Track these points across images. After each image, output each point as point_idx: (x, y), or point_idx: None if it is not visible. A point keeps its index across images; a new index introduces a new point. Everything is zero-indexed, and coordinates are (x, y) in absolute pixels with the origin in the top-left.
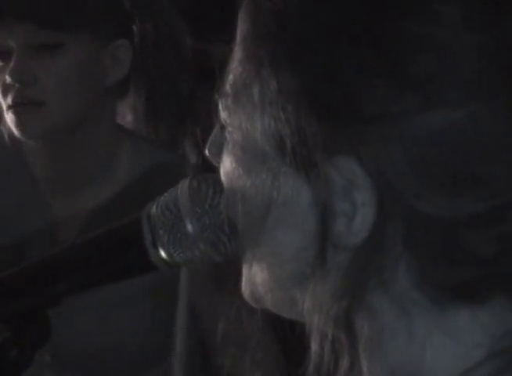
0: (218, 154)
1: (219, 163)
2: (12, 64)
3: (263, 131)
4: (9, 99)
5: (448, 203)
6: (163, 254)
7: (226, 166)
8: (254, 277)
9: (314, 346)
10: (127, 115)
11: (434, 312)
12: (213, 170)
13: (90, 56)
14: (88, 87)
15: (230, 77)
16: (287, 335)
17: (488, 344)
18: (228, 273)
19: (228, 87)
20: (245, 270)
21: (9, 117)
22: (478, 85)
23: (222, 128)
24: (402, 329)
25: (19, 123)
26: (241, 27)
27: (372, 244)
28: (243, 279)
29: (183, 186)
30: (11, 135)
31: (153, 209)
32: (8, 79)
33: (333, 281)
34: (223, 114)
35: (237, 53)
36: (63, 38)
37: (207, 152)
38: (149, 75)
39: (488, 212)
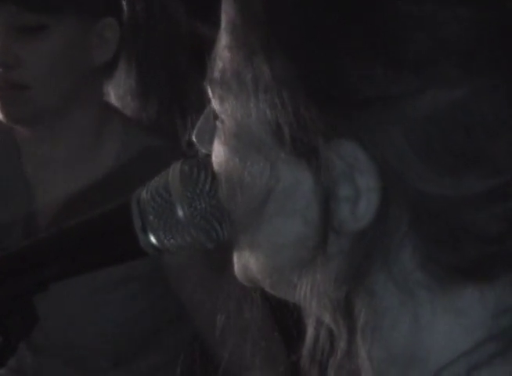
0: (208, 142)
1: (209, 150)
2: None
3: (258, 118)
4: None
5: (452, 182)
6: (153, 239)
7: (220, 156)
8: (248, 263)
9: (309, 330)
10: (111, 92)
11: (438, 292)
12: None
13: (76, 37)
14: (74, 69)
15: (219, 64)
16: (288, 322)
17: (490, 323)
18: (225, 262)
19: (217, 74)
20: (236, 256)
21: None
22: (477, 61)
23: (211, 115)
24: (406, 313)
25: (3, 107)
26: (227, 13)
27: (376, 228)
28: (235, 265)
29: (174, 170)
30: None
31: (143, 194)
32: None
33: (334, 267)
34: (213, 102)
35: (224, 39)
36: (48, 20)
37: (194, 139)
38: (141, 52)
39: (493, 190)
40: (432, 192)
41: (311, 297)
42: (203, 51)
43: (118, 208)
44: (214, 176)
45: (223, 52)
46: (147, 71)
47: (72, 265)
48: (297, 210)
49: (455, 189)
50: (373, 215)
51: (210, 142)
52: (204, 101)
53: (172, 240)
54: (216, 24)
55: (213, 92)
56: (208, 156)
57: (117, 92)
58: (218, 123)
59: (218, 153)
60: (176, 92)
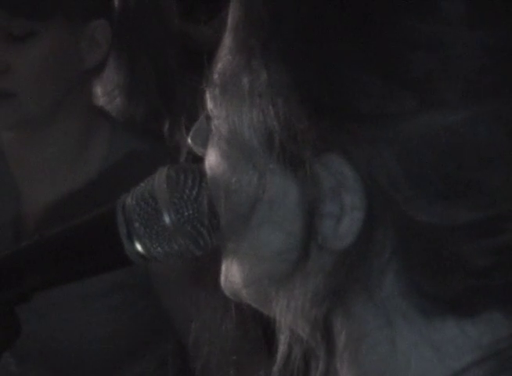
0: (203, 145)
1: (204, 154)
2: None
3: (251, 124)
4: None
5: (442, 210)
6: (139, 247)
7: (211, 159)
8: (233, 272)
9: (282, 347)
10: (97, 88)
11: (420, 323)
12: (196, 159)
13: (66, 42)
14: (64, 74)
15: (219, 66)
16: (267, 334)
17: (476, 356)
18: (204, 269)
19: (216, 76)
20: (225, 264)
21: None
22: (479, 87)
23: (208, 117)
24: (384, 338)
25: None
26: (233, 14)
27: (358, 249)
28: (222, 272)
29: (160, 176)
30: None
31: (128, 200)
32: None
33: (314, 283)
34: (210, 104)
35: (227, 41)
36: (36, 26)
37: (190, 141)
38: (131, 50)
39: (484, 223)
40: (419, 218)
41: (287, 312)
42: (194, 52)
43: (103, 215)
44: (201, 182)
45: (224, 54)
46: (136, 69)
47: (56, 274)
48: (281, 222)
49: (443, 217)
50: (356, 235)
51: (205, 145)
52: (193, 102)
53: (159, 248)
54: (208, 25)
55: (209, 94)
56: (195, 161)
57: (104, 89)
58: (212, 126)
59: (210, 156)
60: (165, 92)
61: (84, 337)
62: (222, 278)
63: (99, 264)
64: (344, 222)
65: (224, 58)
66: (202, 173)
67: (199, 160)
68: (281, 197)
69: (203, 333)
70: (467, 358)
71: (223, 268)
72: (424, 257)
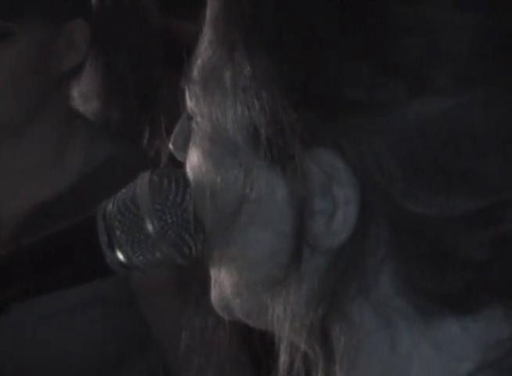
0: (184, 148)
1: (184, 158)
2: None
3: (235, 120)
4: None
5: (438, 201)
6: (120, 256)
7: (193, 160)
8: (223, 281)
9: (283, 357)
10: (74, 91)
11: (419, 322)
12: (178, 164)
13: (42, 43)
14: (40, 77)
15: (198, 61)
16: (257, 346)
17: (479, 356)
18: (191, 279)
19: (196, 72)
20: (213, 274)
21: None
22: (472, 71)
23: (189, 118)
24: (384, 340)
25: None
26: (212, 5)
27: (353, 247)
28: (212, 284)
29: (143, 181)
30: None
31: (109, 206)
32: None
33: (308, 287)
34: (190, 103)
35: (207, 35)
36: (11, 27)
37: (171, 145)
38: (108, 51)
39: (482, 212)
40: (415, 210)
41: (285, 319)
42: (175, 49)
43: (82, 223)
44: (186, 187)
45: (204, 48)
46: (114, 71)
47: (34, 284)
48: (270, 221)
49: (440, 208)
50: (350, 232)
51: (186, 148)
52: (175, 104)
53: (141, 257)
54: (191, 19)
55: (189, 92)
56: (179, 166)
57: (79, 90)
58: (193, 125)
59: (192, 157)
60: (144, 96)
61: (66, 351)
62: (213, 295)
63: (79, 274)
64: (337, 218)
65: (204, 52)
66: (186, 178)
67: (182, 164)
68: (269, 195)
69: (194, 344)
70: (469, 356)
71: (212, 283)
72: (421, 252)
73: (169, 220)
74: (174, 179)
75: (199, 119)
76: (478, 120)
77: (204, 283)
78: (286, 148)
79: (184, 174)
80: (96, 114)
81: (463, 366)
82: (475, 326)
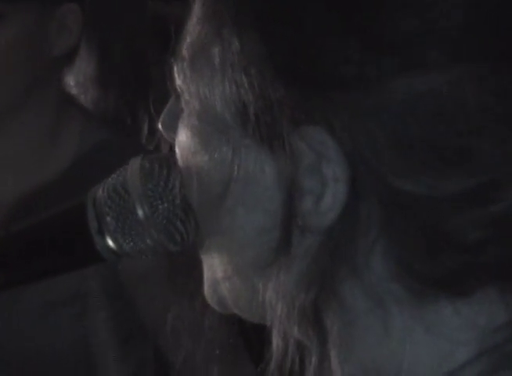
0: (173, 128)
1: (173, 138)
2: None
3: (223, 97)
4: None
5: (430, 180)
6: (110, 243)
7: (181, 139)
8: (214, 267)
9: (276, 341)
10: (69, 79)
11: (412, 305)
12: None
13: (35, 26)
14: (32, 61)
15: (187, 39)
16: (248, 329)
17: (477, 341)
18: (181, 266)
19: (184, 49)
20: (205, 261)
21: None
22: (463, 47)
23: (177, 97)
24: (376, 324)
25: None
26: None
27: (343, 227)
28: (204, 271)
29: (133, 167)
30: None
31: (99, 192)
32: None
33: (299, 269)
34: (178, 80)
35: (195, 11)
36: (3, 8)
37: (160, 125)
38: (102, 37)
39: (475, 191)
40: (407, 189)
41: (276, 303)
42: (167, 34)
43: (72, 209)
44: (177, 173)
45: (192, 25)
46: (109, 58)
47: (22, 272)
48: (259, 201)
49: (432, 188)
50: (339, 211)
51: (175, 129)
52: (169, 89)
53: (132, 244)
54: (181, 3)
55: (178, 69)
56: (171, 151)
57: (76, 79)
58: (182, 104)
59: (181, 136)
60: (138, 81)
61: (50, 344)
62: (204, 279)
63: (69, 261)
64: (326, 197)
65: (192, 29)
66: (177, 163)
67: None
68: (257, 175)
69: (183, 329)
70: (464, 341)
71: (204, 267)
72: (412, 233)
73: (160, 206)
74: (166, 165)
75: (187, 97)
76: (470, 96)
77: (195, 271)
78: (274, 126)
79: (175, 159)
80: (95, 103)
81: (459, 353)
82: (468, 308)
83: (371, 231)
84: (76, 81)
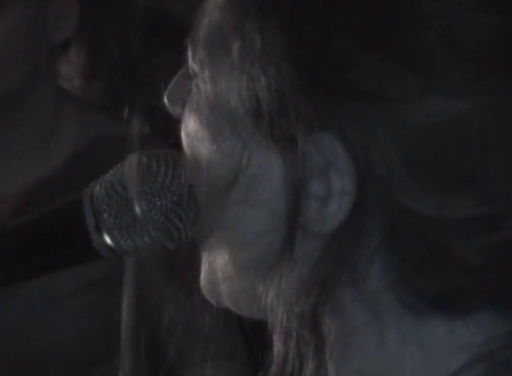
0: (179, 103)
1: (178, 113)
2: None
3: (239, 92)
4: None
5: (440, 202)
6: (108, 240)
7: (189, 125)
8: (213, 264)
9: (277, 345)
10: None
11: (408, 320)
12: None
13: (33, 15)
14: (31, 50)
15: (206, 24)
16: (248, 329)
17: (466, 357)
18: (180, 262)
19: (202, 35)
20: (204, 258)
21: None
22: (488, 74)
23: (188, 76)
24: (373, 333)
25: None
26: None
27: (345, 235)
28: (202, 268)
29: (131, 163)
30: None
31: (97, 189)
32: None
33: (300, 273)
34: (193, 64)
35: None
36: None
37: (165, 98)
38: (93, 30)
39: (484, 218)
40: (414, 208)
41: (277, 307)
42: (162, 25)
43: (69, 205)
44: (175, 169)
45: (213, 12)
46: (99, 50)
47: (19, 268)
48: (263, 199)
49: (440, 209)
50: (343, 219)
51: (182, 105)
52: (163, 84)
53: (129, 241)
54: None
55: (193, 53)
56: (169, 148)
57: (62, 70)
58: (193, 87)
59: (188, 121)
60: (128, 75)
61: (51, 340)
62: (202, 276)
63: (66, 258)
64: (331, 206)
65: (213, 16)
66: (176, 159)
67: (171, 146)
68: (265, 172)
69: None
70: (455, 360)
71: (203, 265)
72: (415, 250)
73: (158, 203)
74: (164, 161)
75: (200, 83)
76: (489, 125)
77: (193, 267)
78: (287, 127)
79: (174, 156)
80: (79, 94)
81: (447, 367)
82: (463, 330)
83: (372, 242)
84: (62, 71)
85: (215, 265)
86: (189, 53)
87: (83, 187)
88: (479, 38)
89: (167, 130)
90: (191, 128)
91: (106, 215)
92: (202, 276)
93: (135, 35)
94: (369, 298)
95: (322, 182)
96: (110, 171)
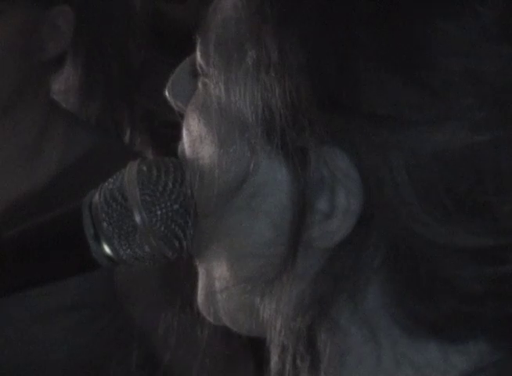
0: (181, 97)
1: (180, 107)
2: None
3: (252, 100)
4: None
5: (447, 230)
6: (107, 249)
7: (193, 126)
8: (211, 276)
9: (274, 359)
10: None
11: (404, 341)
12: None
13: (26, 27)
14: (22, 63)
15: (219, 22)
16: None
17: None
18: (175, 274)
19: (215, 32)
20: (202, 269)
21: None
22: (506, 106)
23: (193, 73)
24: (369, 353)
25: None
26: None
27: (346, 253)
28: (199, 282)
29: (130, 171)
30: None
31: (96, 197)
32: None
33: (299, 290)
34: (201, 61)
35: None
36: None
37: (167, 90)
38: (90, 44)
39: (489, 250)
40: (421, 234)
41: (275, 322)
42: (166, 32)
43: (67, 214)
44: (176, 177)
45: (229, 10)
46: (95, 65)
47: (15, 279)
48: (267, 210)
49: (446, 237)
50: (344, 238)
51: (185, 100)
52: (157, 96)
53: (129, 250)
54: (182, 3)
55: (203, 51)
56: (168, 156)
57: (56, 86)
58: (199, 84)
59: (192, 120)
60: (126, 88)
61: (50, 352)
62: (199, 289)
63: (64, 268)
64: (333, 223)
65: (229, 15)
66: (176, 168)
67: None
68: (271, 182)
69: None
70: None
71: (200, 276)
72: (416, 274)
73: (158, 212)
74: (164, 169)
75: (209, 82)
76: (504, 159)
77: (191, 279)
78: (298, 141)
79: (175, 164)
80: (76, 111)
81: None
82: (459, 357)
83: (374, 262)
84: (57, 89)
85: (213, 277)
86: (199, 49)
87: (73, 200)
88: (499, 69)
89: (168, 145)
90: (193, 127)
91: (105, 224)
92: (199, 290)
93: (134, 49)
94: (366, 317)
95: (327, 197)
96: (110, 179)
